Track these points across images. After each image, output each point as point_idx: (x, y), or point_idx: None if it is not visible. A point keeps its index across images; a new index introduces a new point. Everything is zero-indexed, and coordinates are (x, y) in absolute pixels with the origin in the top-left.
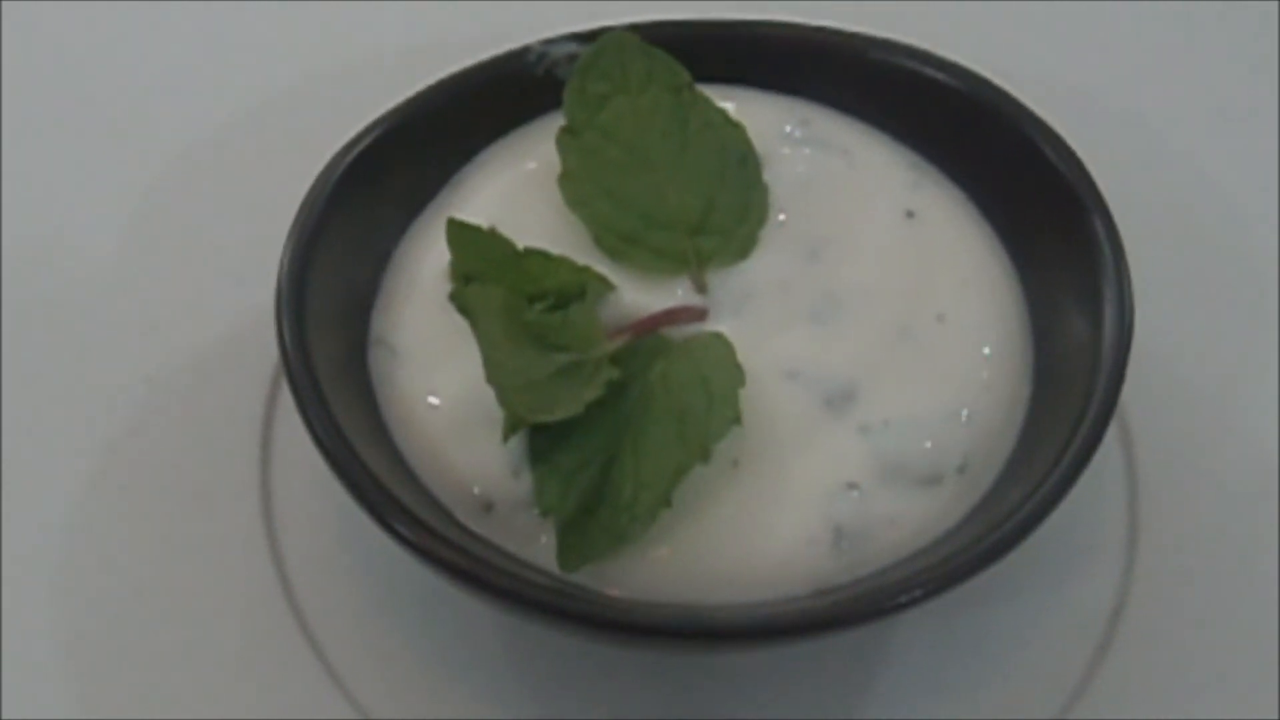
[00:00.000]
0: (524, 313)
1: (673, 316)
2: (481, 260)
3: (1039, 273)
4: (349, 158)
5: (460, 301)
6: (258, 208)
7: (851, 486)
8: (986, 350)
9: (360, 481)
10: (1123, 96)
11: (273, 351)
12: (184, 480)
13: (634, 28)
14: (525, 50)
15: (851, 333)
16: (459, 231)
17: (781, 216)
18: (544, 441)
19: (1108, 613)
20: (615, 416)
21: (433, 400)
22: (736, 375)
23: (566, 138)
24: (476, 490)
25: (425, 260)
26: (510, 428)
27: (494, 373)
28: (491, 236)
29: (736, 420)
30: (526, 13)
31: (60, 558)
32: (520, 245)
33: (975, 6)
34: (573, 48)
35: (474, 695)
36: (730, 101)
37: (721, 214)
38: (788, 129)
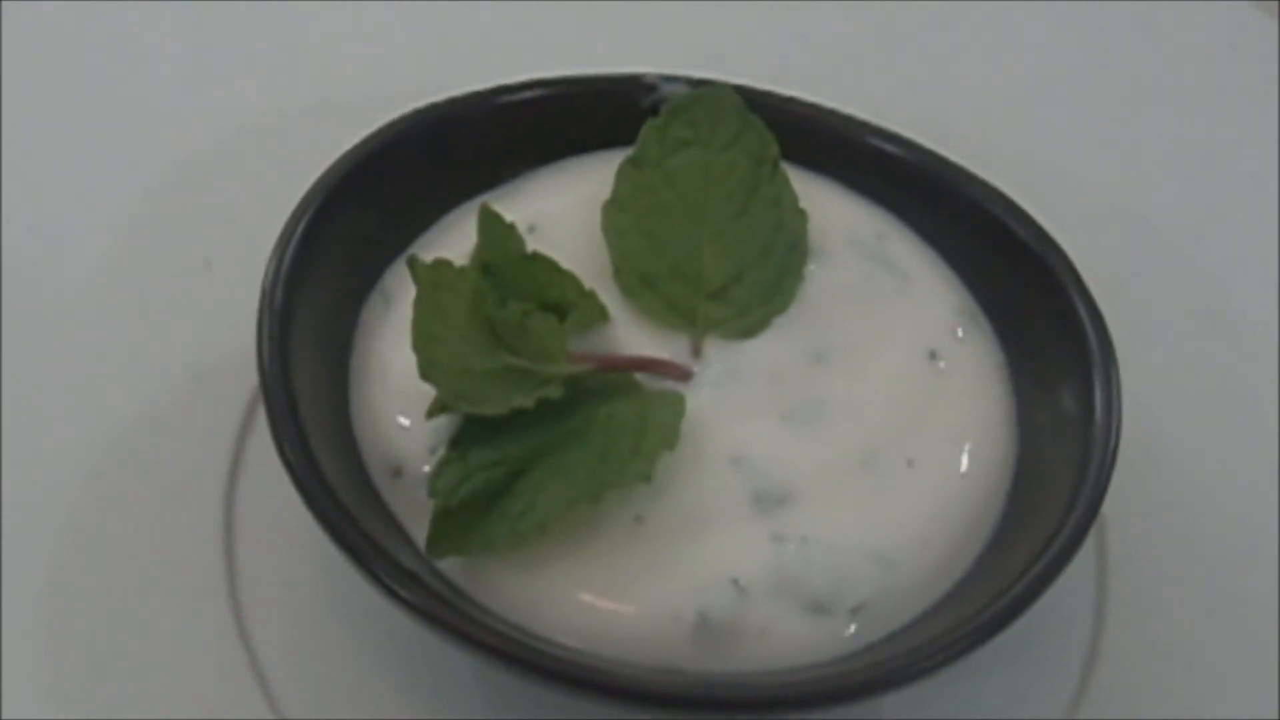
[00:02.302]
0: (489, 304)
1: (654, 366)
2: (499, 253)
3: (1040, 416)
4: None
5: (414, 269)
6: (257, 217)
7: (736, 584)
8: (940, 509)
9: (345, 533)
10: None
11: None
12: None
13: (739, 90)
14: (639, 79)
15: (816, 444)
16: (488, 218)
17: (807, 313)
18: (469, 432)
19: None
20: (547, 434)
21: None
22: (669, 438)
23: (629, 168)
24: (392, 454)
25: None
26: (437, 408)
27: (426, 347)
28: (511, 231)
29: (646, 479)
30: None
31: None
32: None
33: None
34: (690, 90)
35: None
36: (820, 191)
37: (746, 289)
38: (860, 235)
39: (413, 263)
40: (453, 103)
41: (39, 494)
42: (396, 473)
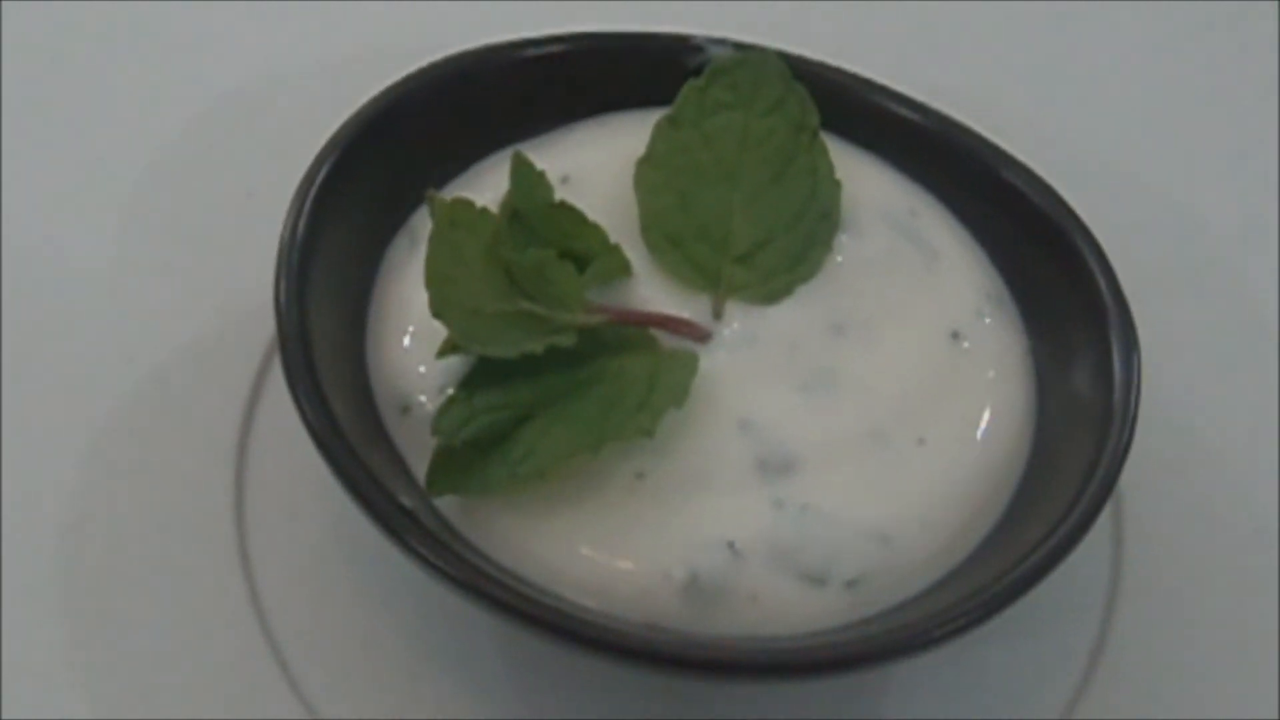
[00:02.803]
0: (506, 247)
1: (672, 324)
2: (528, 199)
3: (1058, 402)
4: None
5: (432, 205)
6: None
7: (731, 546)
8: (948, 489)
9: (346, 466)
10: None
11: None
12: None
13: (785, 57)
14: (687, 39)
15: (827, 415)
16: (520, 165)
17: (832, 283)
18: (479, 375)
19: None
20: (556, 383)
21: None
22: (678, 395)
23: (666, 126)
24: (403, 391)
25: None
26: (447, 347)
27: (438, 285)
28: (540, 178)
29: (649, 434)
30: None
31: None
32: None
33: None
34: (735, 53)
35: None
36: (858, 163)
37: (772, 254)
38: (894, 210)
39: (431, 199)
40: (493, 49)
41: (57, 433)
42: (405, 410)
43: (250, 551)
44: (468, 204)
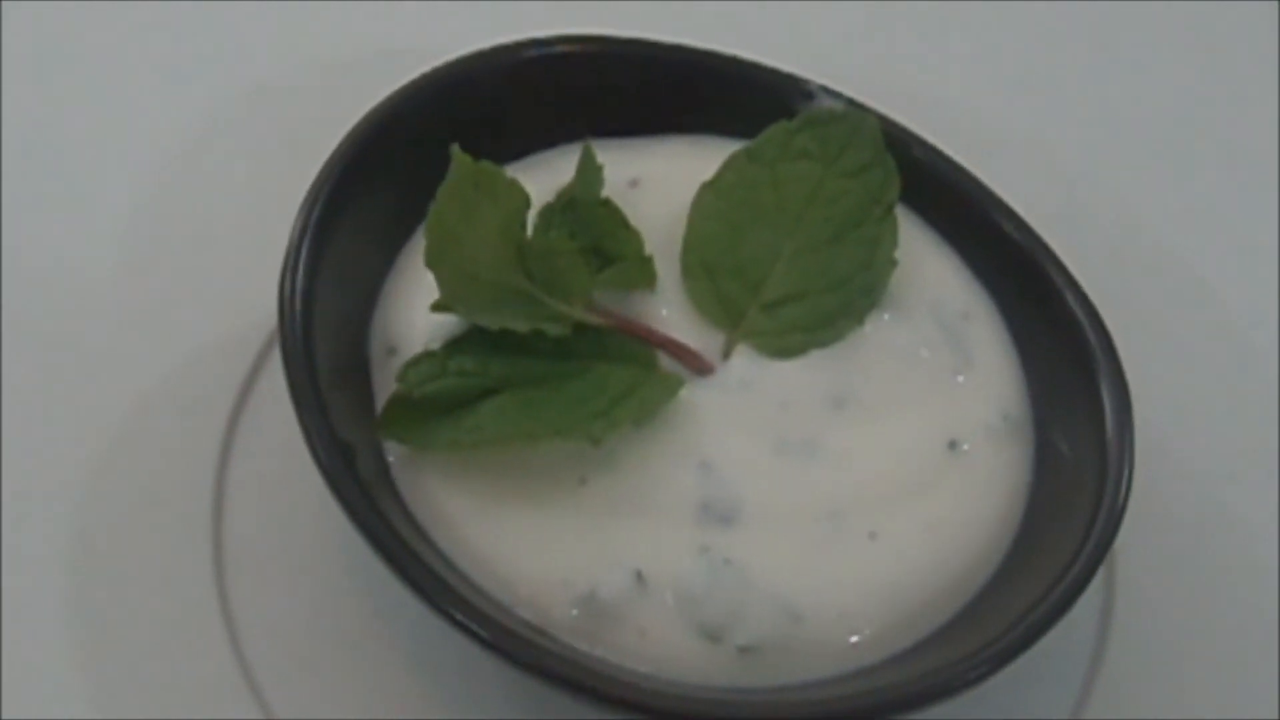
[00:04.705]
0: (522, 223)
1: (678, 350)
2: (582, 190)
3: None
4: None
5: (455, 159)
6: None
7: (639, 576)
8: (878, 591)
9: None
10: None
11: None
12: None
13: (885, 122)
14: (801, 82)
15: (790, 482)
16: (587, 156)
17: (851, 356)
18: (467, 339)
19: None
20: (537, 368)
21: None
22: (641, 414)
23: (742, 157)
24: (393, 335)
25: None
26: (441, 305)
27: (438, 237)
28: (597, 173)
29: (595, 442)
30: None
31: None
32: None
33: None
34: (839, 107)
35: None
36: (929, 249)
37: (799, 311)
38: (947, 306)
39: (455, 153)
40: (605, 40)
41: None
42: (391, 351)
43: (226, 561)
44: (497, 171)
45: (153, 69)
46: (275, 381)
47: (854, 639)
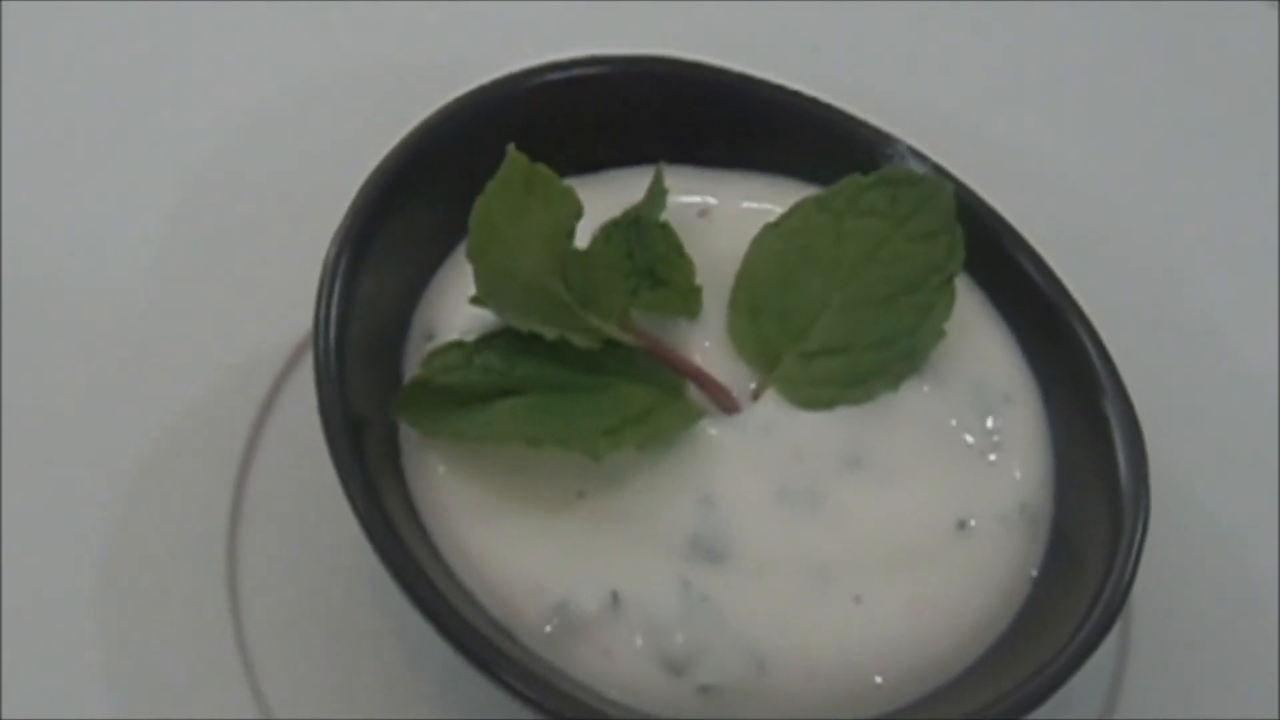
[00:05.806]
0: (569, 231)
1: (708, 384)
2: (647, 210)
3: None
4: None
5: (509, 156)
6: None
7: (615, 596)
8: (850, 654)
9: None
10: None
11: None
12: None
13: (961, 190)
14: (894, 141)
15: (786, 532)
16: (658, 177)
17: (878, 419)
18: (500, 336)
19: None
20: (559, 375)
21: None
22: (648, 439)
23: (811, 204)
24: (434, 322)
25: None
26: (479, 299)
27: (481, 231)
28: (662, 196)
29: (594, 457)
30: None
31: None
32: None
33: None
34: (911, 167)
35: None
36: (984, 325)
37: (835, 365)
38: (990, 387)
39: (510, 151)
40: (696, 67)
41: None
42: (429, 338)
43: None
44: (551, 175)
45: (186, 80)
46: (298, 393)
47: (820, 698)
